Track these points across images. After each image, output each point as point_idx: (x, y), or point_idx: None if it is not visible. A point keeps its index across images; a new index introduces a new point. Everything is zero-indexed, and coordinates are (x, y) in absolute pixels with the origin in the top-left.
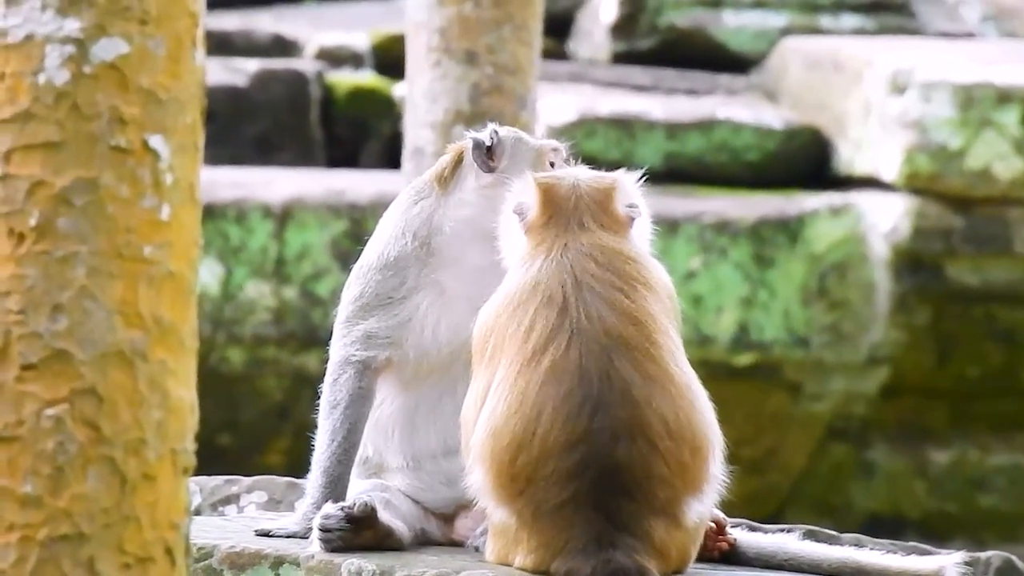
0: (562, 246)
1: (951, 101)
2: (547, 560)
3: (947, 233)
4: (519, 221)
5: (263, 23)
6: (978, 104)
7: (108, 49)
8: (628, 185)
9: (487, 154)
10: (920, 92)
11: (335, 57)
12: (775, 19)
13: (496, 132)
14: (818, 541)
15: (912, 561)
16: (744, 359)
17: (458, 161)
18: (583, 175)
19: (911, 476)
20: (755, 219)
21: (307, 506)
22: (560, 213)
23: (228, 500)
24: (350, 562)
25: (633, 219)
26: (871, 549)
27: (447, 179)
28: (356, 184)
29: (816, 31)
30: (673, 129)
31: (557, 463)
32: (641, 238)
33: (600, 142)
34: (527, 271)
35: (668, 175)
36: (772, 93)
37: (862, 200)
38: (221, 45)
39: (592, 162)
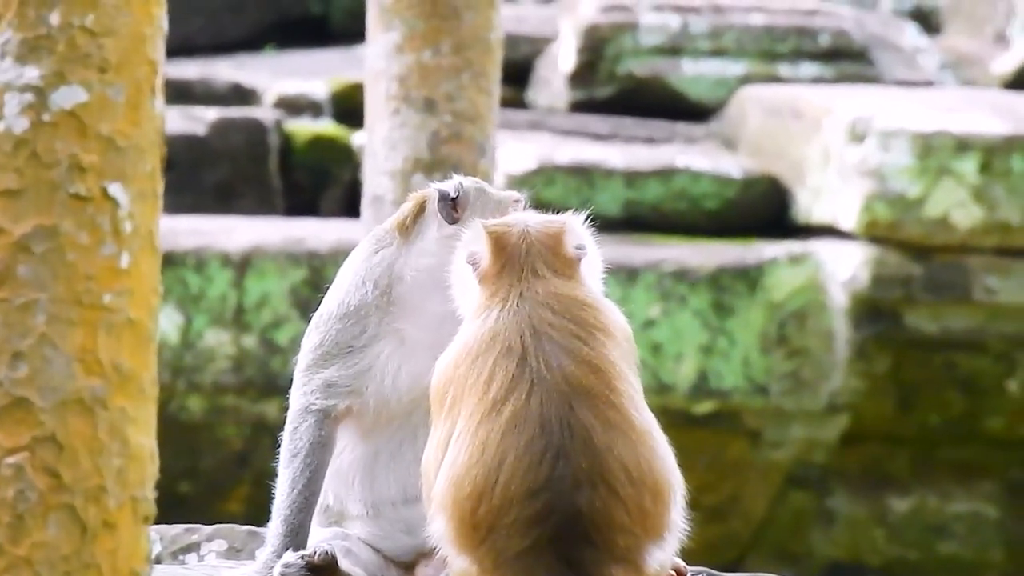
0: (517, 295)
1: (910, 149)
2: None
3: (906, 281)
4: (472, 271)
5: (222, 71)
6: (936, 152)
7: (67, 97)
8: (576, 227)
9: (451, 205)
10: (879, 140)
11: (294, 105)
12: (734, 67)
13: (461, 184)
14: None
15: None
16: (704, 407)
17: (420, 210)
18: (532, 220)
19: (871, 524)
20: (714, 267)
21: (268, 554)
22: (512, 261)
23: (189, 548)
24: None
25: (581, 259)
26: None
27: (409, 228)
28: (315, 232)
29: (775, 79)
30: (632, 177)
31: (519, 512)
32: (593, 279)
33: (559, 190)
34: (484, 321)
35: (627, 223)
36: (731, 141)
37: (821, 248)
38: (180, 93)
39: (551, 210)
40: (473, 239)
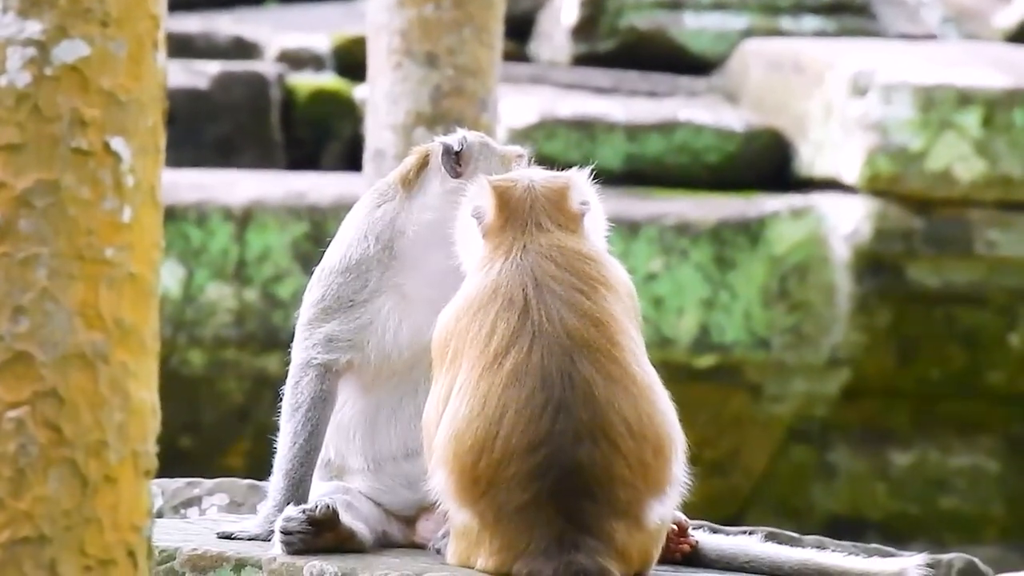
0: (521, 248)
1: (912, 103)
2: (509, 562)
3: (908, 235)
4: (476, 225)
5: (224, 25)
6: (938, 106)
7: (69, 51)
8: (581, 183)
9: (455, 159)
10: (881, 94)
11: (296, 59)
12: (735, 21)
13: (465, 138)
14: (780, 543)
15: (874, 563)
16: (705, 361)
17: (423, 164)
18: (537, 176)
19: (872, 478)
20: (716, 221)
21: (269, 508)
22: (516, 215)
23: (190, 502)
24: (312, 564)
25: (585, 214)
26: (833, 551)
27: (411, 182)
28: (317, 186)
29: (777, 33)
30: (634, 131)
31: (519, 465)
32: (597, 235)
33: (561, 144)
34: (487, 274)
35: (629, 177)
36: (733, 95)
37: (823, 202)
38: (182, 47)
39: (552, 164)
40: (477, 194)
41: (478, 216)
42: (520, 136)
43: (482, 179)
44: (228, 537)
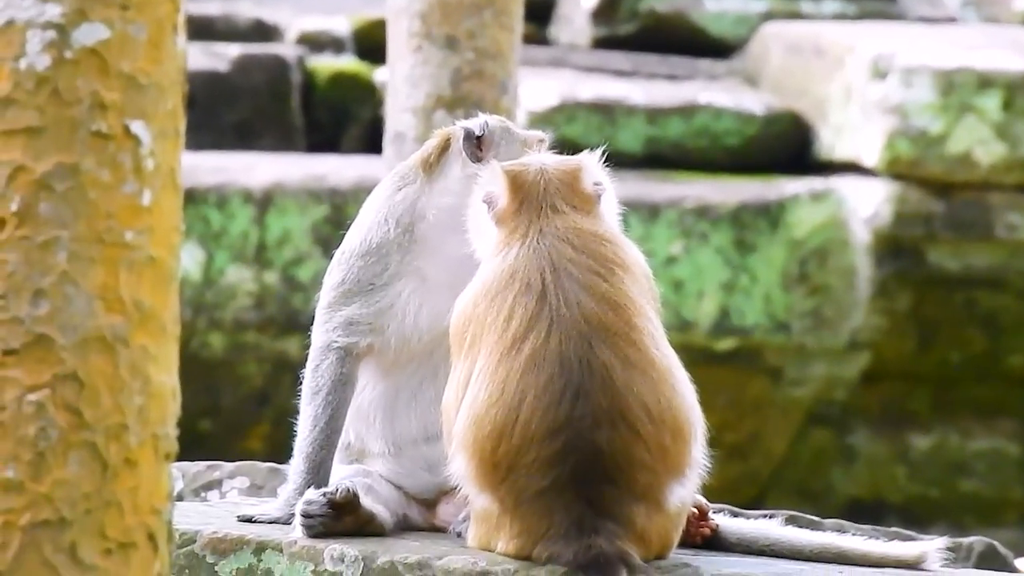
0: (537, 231)
1: (932, 86)
2: (529, 546)
3: (928, 218)
4: (489, 210)
5: (244, 8)
6: (959, 89)
7: (89, 34)
8: (593, 165)
9: (476, 144)
10: (901, 77)
11: (316, 42)
12: (756, 4)
13: (487, 123)
14: (800, 526)
15: (894, 547)
16: (725, 344)
17: (444, 148)
18: (549, 160)
19: (892, 461)
20: (736, 204)
21: (289, 492)
22: (530, 198)
23: (210, 485)
24: (332, 548)
25: (600, 195)
26: (853, 534)
27: (432, 166)
28: (337, 169)
29: (797, 16)
30: (654, 114)
31: (539, 450)
32: (610, 216)
33: (580, 127)
34: (504, 259)
35: (649, 160)
36: (753, 78)
37: (843, 185)
38: (202, 30)
39: (572, 147)
40: (489, 179)
41: (490, 201)
42: (540, 119)
43: (494, 164)
44: (248, 520)
